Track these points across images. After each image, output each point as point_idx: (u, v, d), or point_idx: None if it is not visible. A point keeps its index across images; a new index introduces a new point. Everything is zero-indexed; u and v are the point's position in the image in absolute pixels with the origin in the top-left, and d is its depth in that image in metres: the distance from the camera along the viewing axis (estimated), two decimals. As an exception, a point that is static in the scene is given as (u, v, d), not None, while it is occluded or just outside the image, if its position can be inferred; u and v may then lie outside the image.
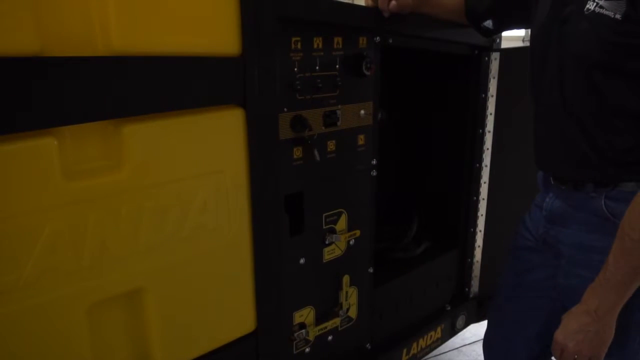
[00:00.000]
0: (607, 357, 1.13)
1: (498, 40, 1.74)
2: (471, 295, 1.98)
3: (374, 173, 1.44)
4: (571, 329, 1.10)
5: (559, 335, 1.12)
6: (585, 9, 1.01)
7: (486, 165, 1.84)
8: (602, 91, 1.03)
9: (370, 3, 1.31)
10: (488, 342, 1.50)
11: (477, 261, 1.96)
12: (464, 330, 2.00)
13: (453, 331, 1.92)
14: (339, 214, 1.36)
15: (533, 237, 1.30)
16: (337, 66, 1.26)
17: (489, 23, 1.49)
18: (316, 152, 1.20)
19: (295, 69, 1.16)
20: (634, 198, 1.00)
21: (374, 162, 1.43)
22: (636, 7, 0.94)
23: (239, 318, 1.10)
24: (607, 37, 0.99)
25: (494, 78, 1.76)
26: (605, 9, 0.98)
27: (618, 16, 0.97)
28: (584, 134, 1.08)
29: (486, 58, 1.73)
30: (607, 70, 1.02)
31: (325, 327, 1.40)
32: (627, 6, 0.95)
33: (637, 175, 1.06)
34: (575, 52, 1.06)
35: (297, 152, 1.21)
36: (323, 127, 1.25)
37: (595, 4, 1.00)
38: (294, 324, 1.31)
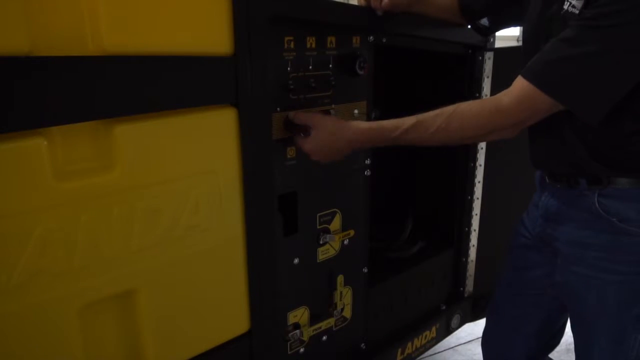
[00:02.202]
0: (604, 353, 1.14)
1: (492, 40, 1.74)
2: (466, 295, 1.98)
3: (367, 173, 1.43)
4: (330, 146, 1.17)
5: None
6: (562, 9, 1.03)
7: (480, 165, 1.84)
8: None
9: (362, 2, 1.31)
10: (486, 339, 1.51)
11: (472, 260, 1.96)
12: (459, 330, 2.00)
13: (448, 330, 1.92)
14: (333, 214, 1.36)
15: (531, 235, 1.31)
16: (331, 65, 1.25)
17: (485, 21, 1.49)
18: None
19: (289, 69, 1.16)
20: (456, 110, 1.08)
21: (368, 161, 1.43)
22: (588, 6, 0.97)
23: (232, 318, 1.09)
24: None
25: (487, 77, 1.76)
26: (576, 8, 1.00)
27: (577, 12, 1.00)
28: (575, 132, 1.09)
29: (480, 57, 1.73)
30: None
31: (320, 327, 1.40)
32: (584, 2, 0.98)
33: (628, 172, 1.07)
34: None
35: (291, 152, 1.21)
36: (317, 127, 1.25)
37: (569, 4, 1.02)
38: (288, 324, 1.31)
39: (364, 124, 1.19)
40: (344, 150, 1.19)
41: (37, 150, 0.75)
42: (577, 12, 0.99)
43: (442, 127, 1.09)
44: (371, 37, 1.35)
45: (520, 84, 1.04)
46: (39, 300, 0.79)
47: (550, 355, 1.51)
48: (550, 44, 1.02)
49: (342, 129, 1.17)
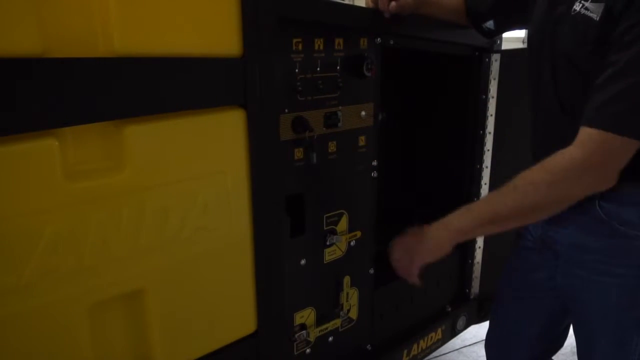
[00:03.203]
0: (606, 355, 1.14)
1: (498, 42, 1.74)
2: (472, 296, 1.98)
3: (374, 174, 1.44)
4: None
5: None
6: (572, 9, 1.03)
7: (487, 167, 1.84)
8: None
9: (370, 4, 1.31)
10: (489, 342, 1.51)
11: (478, 262, 1.96)
12: (465, 332, 2.00)
13: (453, 332, 1.92)
14: (340, 215, 1.36)
15: (533, 237, 1.31)
16: (338, 67, 1.26)
17: (490, 24, 1.49)
18: (314, 155, 1.20)
19: (296, 70, 1.16)
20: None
21: (375, 163, 1.43)
22: (611, 12, 0.95)
23: (239, 319, 1.10)
24: (585, 39, 1.00)
25: (494, 79, 1.76)
26: (590, 11, 0.99)
27: (597, 18, 0.97)
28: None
29: (487, 59, 1.73)
30: (591, 71, 1.02)
31: (326, 328, 1.40)
32: (604, 9, 0.96)
33: (629, 175, 1.06)
34: (562, 52, 1.07)
35: (298, 153, 1.21)
36: (324, 128, 1.25)
37: (581, 5, 1.01)
38: (295, 324, 1.31)
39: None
40: (442, 242, 1.19)
41: (48, 150, 0.76)
42: (595, 17, 0.97)
43: (519, 200, 1.05)
44: (378, 39, 1.35)
45: (586, 136, 0.98)
46: (49, 299, 0.80)
47: (555, 358, 1.51)
48: (597, 85, 0.96)
49: (421, 230, 1.21)
